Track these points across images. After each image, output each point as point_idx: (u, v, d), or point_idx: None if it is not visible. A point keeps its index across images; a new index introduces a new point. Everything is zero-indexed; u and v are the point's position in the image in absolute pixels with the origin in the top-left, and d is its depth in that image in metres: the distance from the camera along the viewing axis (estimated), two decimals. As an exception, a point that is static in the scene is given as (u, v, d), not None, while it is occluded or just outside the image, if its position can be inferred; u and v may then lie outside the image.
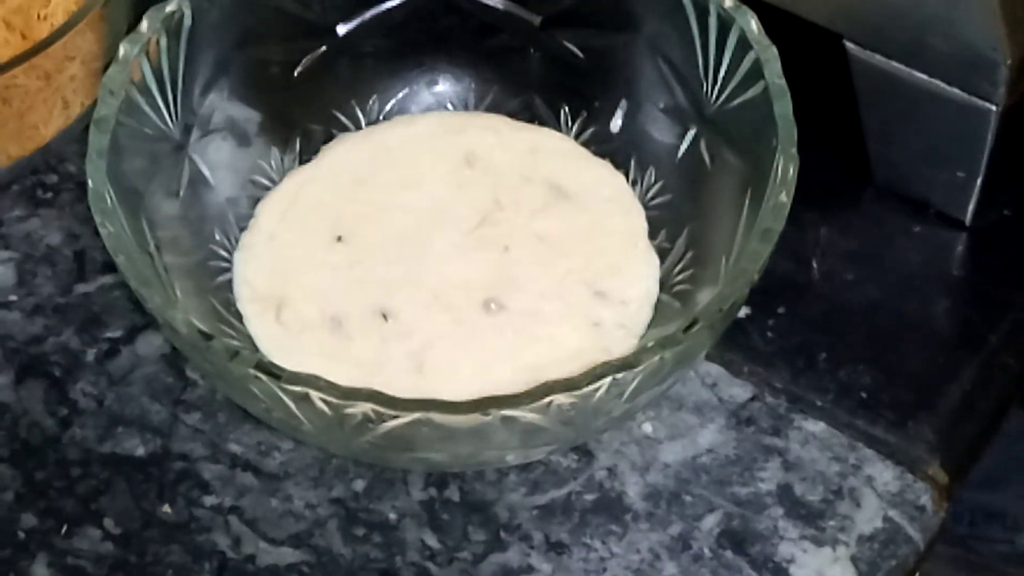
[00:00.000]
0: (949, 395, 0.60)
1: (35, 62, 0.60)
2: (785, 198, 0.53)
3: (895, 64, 0.60)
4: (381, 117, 0.64)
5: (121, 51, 0.57)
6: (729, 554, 0.56)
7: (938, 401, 0.59)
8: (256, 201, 0.62)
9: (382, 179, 0.62)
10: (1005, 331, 0.61)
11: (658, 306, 0.59)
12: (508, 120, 0.64)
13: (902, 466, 0.58)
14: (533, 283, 0.59)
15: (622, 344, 0.57)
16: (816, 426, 0.59)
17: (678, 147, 0.60)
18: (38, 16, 0.64)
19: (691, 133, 0.60)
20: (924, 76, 0.60)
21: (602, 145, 0.63)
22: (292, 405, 0.50)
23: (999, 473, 0.60)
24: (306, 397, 0.49)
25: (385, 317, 0.58)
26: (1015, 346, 0.61)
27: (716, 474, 0.57)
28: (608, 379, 0.49)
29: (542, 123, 0.64)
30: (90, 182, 0.54)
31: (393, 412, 0.49)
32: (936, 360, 0.60)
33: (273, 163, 0.62)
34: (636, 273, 0.60)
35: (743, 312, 0.61)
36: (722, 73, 0.58)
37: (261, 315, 0.59)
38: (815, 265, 0.63)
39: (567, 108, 0.63)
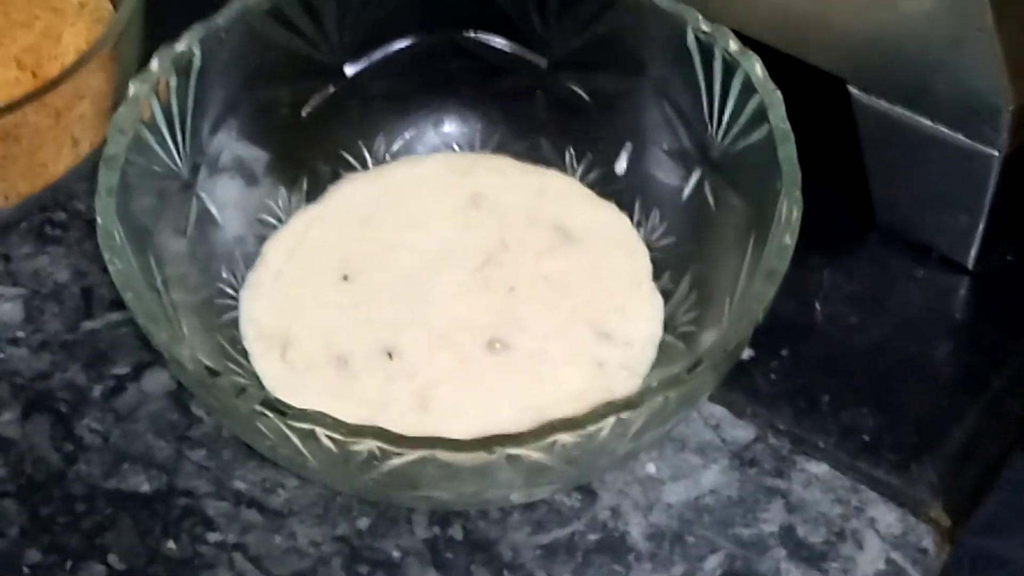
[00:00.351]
0: (952, 438, 0.60)
1: (45, 100, 0.61)
2: (789, 240, 0.54)
3: (898, 109, 0.60)
4: (388, 157, 0.64)
5: (131, 90, 0.57)
6: (732, 595, 0.56)
7: (941, 444, 0.60)
8: (263, 240, 0.62)
9: (388, 219, 0.63)
10: (1008, 375, 0.62)
11: (662, 347, 0.59)
12: (514, 161, 0.64)
13: (904, 508, 0.58)
14: (538, 323, 0.59)
15: (626, 384, 0.58)
16: (819, 468, 0.59)
17: (683, 189, 0.61)
18: (49, 55, 0.65)
19: (696, 175, 0.60)
20: (927, 121, 0.60)
21: (607, 187, 0.63)
22: (298, 442, 0.50)
23: (1003, 519, 0.59)
24: (312, 434, 0.49)
25: (390, 356, 0.59)
26: (1018, 390, 0.61)
27: (719, 515, 0.58)
28: (612, 419, 0.50)
29: (548, 164, 0.64)
30: (99, 219, 0.54)
31: (398, 450, 0.49)
32: (939, 403, 0.61)
33: (280, 202, 0.63)
34: (640, 314, 0.60)
35: (746, 354, 0.61)
36: (727, 116, 0.58)
37: (267, 353, 0.59)
38: (818, 308, 0.63)
39: (573, 150, 0.64)
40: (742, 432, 0.60)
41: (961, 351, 0.63)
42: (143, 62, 0.58)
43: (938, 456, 0.59)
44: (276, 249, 0.62)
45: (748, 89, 0.57)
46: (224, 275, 0.60)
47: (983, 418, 0.60)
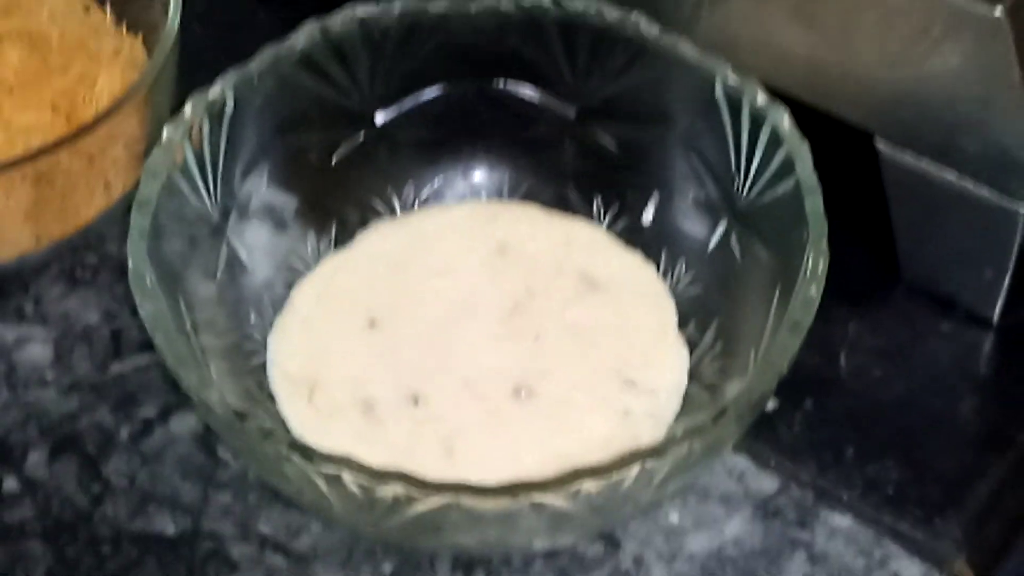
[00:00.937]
0: (976, 493, 0.60)
1: (79, 144, 0.61)
2: (815, 292, 0.54)
3: (926, 163, 0.61)
4: (416, 204, 0.65)
5: (165, 134, 0.58)
6: (754, 646, 0.56)
7: (965, 498, 0.60)
8: (291, 284, 0.62)
9: (416, 266, 0.63)
10: (1033, 430, 0.62)
11: (687, 396, 0.59)
12: (541, 210, 0.65)
13: (928, 562, 0.58)
14: (563, 372, 0.60)
15: (651, 433, 0.58)
16: (843, 520, 0.59)
17: (709, 240, 0.61)
18: (83, 100, 0.65)
19: (722, 226, 0.61)
20: (954, 176, 0.60)
21: (634, 236, 0.63)
22: (323, 486, 0.50)
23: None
24: (337, 478, 0.50)
25: (416, 402, 0.59)
26: (1043, 446, 0.61)
27: (742, 565, 0.58)
28: (636, 467, 0.50)
29: (575, 213, 0.64)
30: (131, 262, 0.54)
31: (423, 494, 0.49)
32: (963, 458, 0.61)
33: (309, 248, 0.63)
34: (666, 363, 0.60)
35: (771, 405, 0.61)
36: (754, 168, 0.59)
37: (294, 397, 0.59)
38: (843, 360, 0.63)
39: (600, 199, 0.64)
40: (766, 483, 0.60)
41: (986, 405, 0.63)
42: (176, 107, 0.59)
43: (962, 510, 0.59)
44: (304, 294, 0.62)
45: (775, 141, 0.58)
46: (252, 319, 0.61)
47: (1008, 473, 0.60)
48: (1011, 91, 0.56)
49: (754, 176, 0.59)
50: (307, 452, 0.50)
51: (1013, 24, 0.56)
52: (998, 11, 0.55)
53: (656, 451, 0.50)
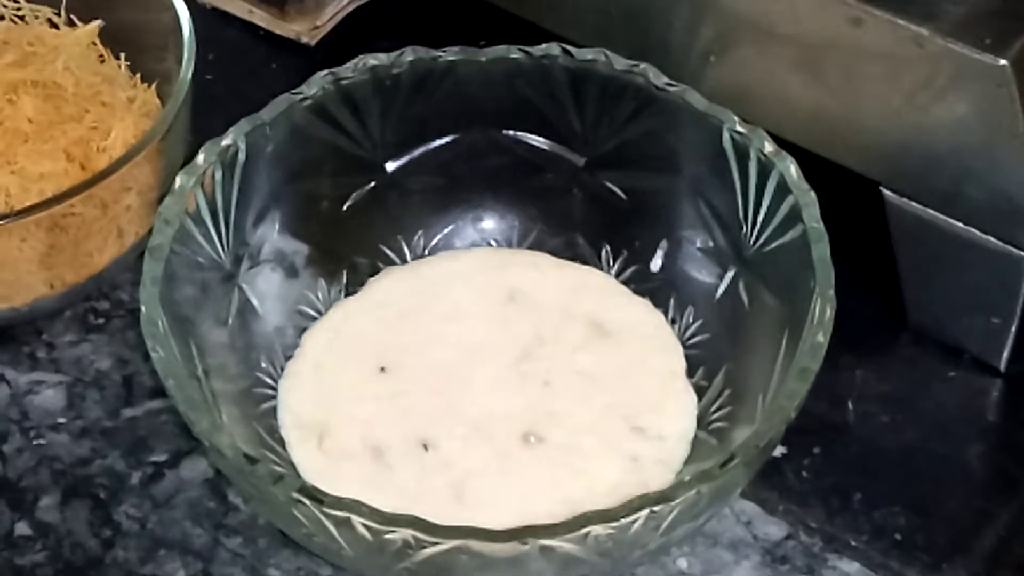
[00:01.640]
0: (984, 539, 0.60)
1: (93, 192, 0.62)
2: (822, 339, 0.54)
3: (931, 212, 0.61)
4: (426, 252, 0.65)
5: (177, 182, 0.58)
6: None
7: (973, 544, 0.60)
8: (302, 331, 0.63)
9: (426, 313, 0.63)
10: (1040, 477, 0.62)
11: (695, 442, 0.59)
12: (550, 258, 0.65)
13: (936, 608, 0.58)
14: (572, 417, 0.60)
15: (659, 479, 0.58)
16: (851, 566, 0.59)
17: (717, 287, 0.62)
18: (97, 148, 0.66)
19: (730, 274, 0.61)
20: (960, 224, 0.61)
21: (642, 283, 0.64)
22: (333, 530, 0.51)
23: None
24: (347, 522, 0.50)
25: (426, 447, 0.59)
26: (1050, 493, 0.61)
27: (750, 612, 0.58)
28: (645, 512, 0.50)
29: (584, 261, 0.65)
30: (143, 308, 0.55)
31: (433, 539, 0.49)
32: (971, 504, 0.61)
33: (320, 294, 0.64)
34: (674, 410, 0.60)
35: (779, 451, 0.61)
36: (761, 216, 0.59)
37: (304, 442, 0.59)
38: (851, 407, 0.63)
39: (609, 247, 0.64)
40: (774, 529, 0.60)
41: (993, 452, 0.63)
42: (189, 156, 0.59)
43: (970, 556, 0.59)
44: (315, 340, 0.63)
45: (783, 190, 0.58)
46: (264, 365, 0.61)
47: (1015, 519, 0.60)
48: (1016, 140, 0.57)
49: (761, 224, 0.59)
50: (317, 496, 0.50)
51: (1017, 73, 0.56)
52: (1003, 60, 0.56)
53: (664, 497, 0.50)
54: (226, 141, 0.60)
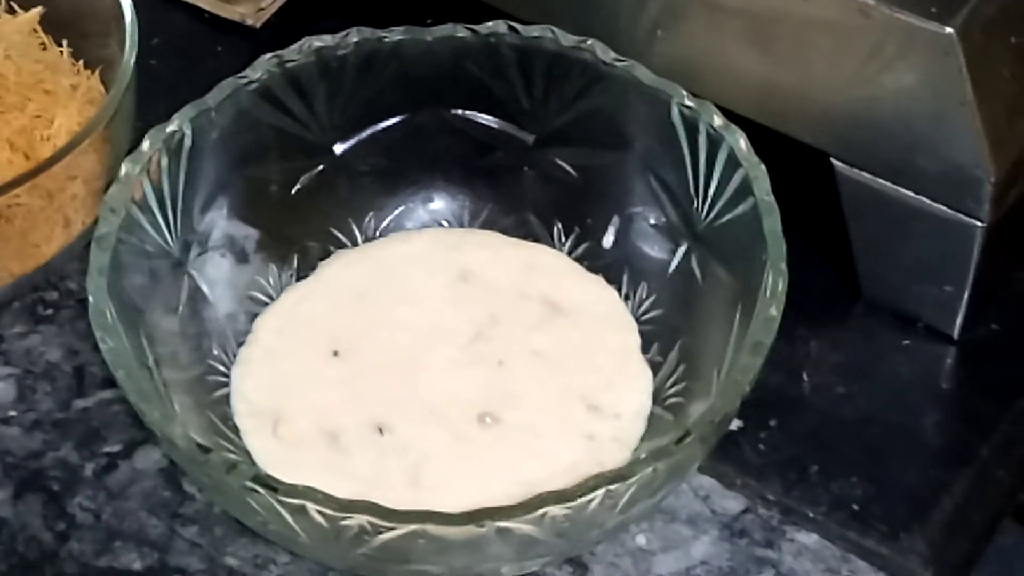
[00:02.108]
0: (941, 507, 0.60)
1: (38, 182, 0.61)
2: (775, 312, 0.54)
3: (882, 182, 0.61)
4: (377, 234, 0.65)
5: (123, 170, 0.58)
6: (724, 667, 0.56)
7: (930, 513, 0.60)
8: (254, 317, 0.62)
9: (378, 295, 0.63)
10: (996, 444, 0.62)
11: (651, 419, 0.59)
12: (502, 236, 0.65)
13: (895, 578, 0.58)
14: (528, 398, 0.60)
15: (616, 457, 0.58)
16: (809, 538, 0.59)
17: (669, 263, 0.61)
18: (41, 137, 0.65)
19: (682, 249, 0.61)
20: (911, 193, 0.61)
21: (595, 260, 0.64)
22: (289, 518, 0.50)
23: (994, 588, 0.60)
24: (303, 509, 0.50)
25: (381, 431, 0.59)
26: (1006, 459, 0.61)
27: (710, 586, 0.58)
28: (601, 491, 0.50)
29: (536, 239, 0.64)
30: (91, 298, 0.54)
31: (389, 524, 0.49)
32: (928, 473, 0.61)
33: (271, 279, 0.63)
34: (629, 387, 0.60)
35: (735, 425, 0.61)
36: (712, 190, 0.59)
37: (258, 430, 0.59)
38: (806, 378, 0.63)
39: (560, 224, 0.64)
40: (732, 503, 0.60)
41: (949, 420, 0.63)
42: (135, 143, 0.59)
43: (928, 525, 0.59)
44: (267, 326, 0.62)
45: (733, 163, 0.58)
46: (215, 352, 0.61)
47: (972, 487, 0.61)
48: (964, 108, 0.57)
49: (712, 198, 0.59)
50: (271, 484, 0.50)
51: (964, 41, 0.56)
52: (949, 28, 0.56)
53: (621, 474, 0.50)
54: (171, 127, 0.59)
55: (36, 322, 0.66)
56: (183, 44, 0.75)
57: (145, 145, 0.58)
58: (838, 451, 0.61)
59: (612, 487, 0.50)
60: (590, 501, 0.50)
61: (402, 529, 0.49)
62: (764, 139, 0.60)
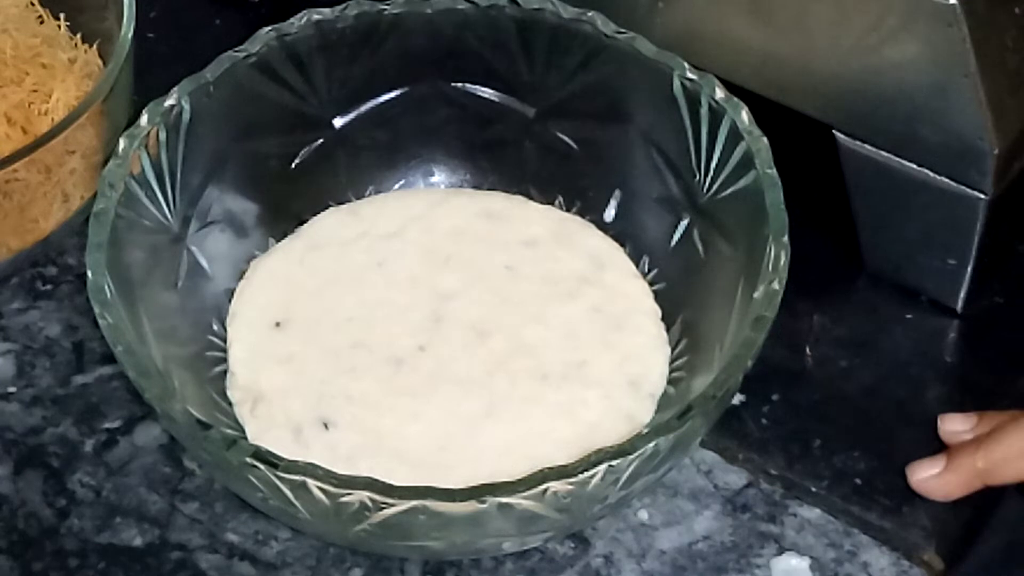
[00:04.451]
0: (944, 481, 0.60)
1: (36, 156, 0.61)
2: (778, 286, 0.54)
3: (885, 154, 0.61)
4: (378, 210, 0.65)
5: (121, 145, 0.57)
6: (726, 641, 0.56)
7: (933, 487, 0.60)
8: (253, 292, 0.62)
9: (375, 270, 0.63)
10: (999, 418, 0.62)
11: (653, 393, 0.59)
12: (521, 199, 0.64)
13: (897, 552, 0.58)
14: (530, 374, 0.59)
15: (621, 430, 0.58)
16: (811, 512, 0.59)
17: (671, 236, 0.61)
18: (39, 111, 0.65)
19: (684, 222, 0.61)
20: (914, 166, 0.60)
21: (597, 234, 0.63)
22: (289, 493, 0.50)
23: (995, 562, 0.60)
24: (303, 485, 0.49)
25: (380, 407, 0.58)
26: (1009, 432, 0.61)
27: (712, 561, 0.58)
28: (603, 466, 0.50)
29: (538, 212, 0.64)
30: (89, 274, 0.54)
31: (390, 500, 0.49)
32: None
33: (271, 254, 0.63)
34: (648, 362, 0.60)
35: (737, 399, 0.61)
36: (714, 163, 0.59)
37: (242, 405, 0.58)
38: (809, 352, 0.63)
39: (562, 198, 0.64)
40: (734, 477, 0.60)
41: (952, 393, 0.63)
42: (133, 117, 0.58)
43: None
44: (243, 297, 0.62)
45: (735, 136, 0.58)
46: (215, 327, 0.60)
47: (975, 460, 0.60)
48: (967, 79, 0.57)
49: (714, 171, 0.59)
50: (272, 460, 0.50)
51: (967, 12, 0.56)
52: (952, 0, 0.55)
53: (622, 450, 0.50)
54: (170, 101, 0.59)
55: (35, 297, 0.65)
56: (181, 17, 0.75)
57: (143, 119, 0.58)
58: (841, 425, 0.61)
59: (614, 462, 0.50)
60: (592, 476, 0.50)
61: (402, 505, 0.49)
62: (766, 112, 0.59)
